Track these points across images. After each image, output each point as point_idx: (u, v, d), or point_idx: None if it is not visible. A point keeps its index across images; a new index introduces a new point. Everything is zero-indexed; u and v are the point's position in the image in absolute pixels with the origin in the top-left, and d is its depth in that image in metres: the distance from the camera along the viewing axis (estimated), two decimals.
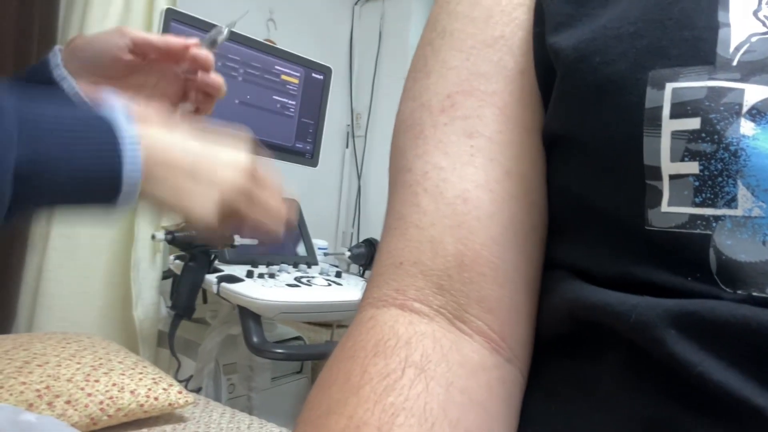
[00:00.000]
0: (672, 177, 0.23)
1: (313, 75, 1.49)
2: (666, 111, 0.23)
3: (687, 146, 0.22)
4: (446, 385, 0.23)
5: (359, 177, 2.12)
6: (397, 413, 0.22)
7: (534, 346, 0.28)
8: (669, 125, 0.23)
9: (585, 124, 0.26)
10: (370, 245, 1.46)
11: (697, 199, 0.22)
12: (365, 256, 1.45)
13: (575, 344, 0.26)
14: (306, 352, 1.35)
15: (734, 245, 0.21)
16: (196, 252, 1.17)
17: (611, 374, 0.23)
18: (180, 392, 1.01)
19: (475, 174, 0.28)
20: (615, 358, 0.23)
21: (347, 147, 2.14)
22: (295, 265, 1.39)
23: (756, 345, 0.20)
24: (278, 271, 1.30)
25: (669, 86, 0.23)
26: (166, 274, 1.36)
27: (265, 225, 0.48)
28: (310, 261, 1.47)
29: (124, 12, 1.30)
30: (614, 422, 0.23)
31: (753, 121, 0.21)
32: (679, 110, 0.22)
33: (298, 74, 1.46)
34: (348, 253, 1.47)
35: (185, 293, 1.18)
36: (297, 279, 1.27)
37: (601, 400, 0.24)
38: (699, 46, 0.23)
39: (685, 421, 0.21)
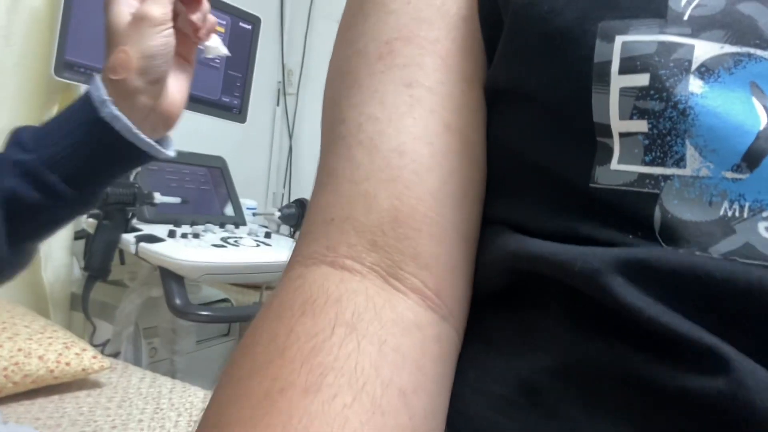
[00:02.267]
0: (622, 135, 0.22)
1: (241, 24, 1.41)
2: (615, 66, 0.22)
3: (635, 104, 0.22)
4: (379, 344, 0.22)
5: (291, 136, 2.06)
6: (326, 373, 0.21)
7: (471, 303, 0.27)
8: (618, 81, 0.22)
9: (531, 77, 0.25)
10: (302, 206, 1.43)
11: (646, 158, 0.22)
12: (296, 216, 1.41)
13: (515, 297, 0.25)
14: (232, 314, 1.32)
15: (680, 205, 0.21)
16: (111, 210, 1.09)
17: (553, 319, 0.23)
18: (95, 357, 0.95)
19: (413, 126, 0.26)
20: (557, 307, 0.23)
21: (278, 105, 2.07)
22: (222, 225, 1.33)
23: (705, 294, 0.20)
24: (203, 231, 1.24)
25: (619, 39, 0.22)
26: (79, 234, 1.27)
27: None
28: (238, 221, 1.42)
29: None
30: (556, 360, 0.22)
31: (701, 78, 0.21)
32: (629, 65, 0.22)
33: (224, 23, 1.37)
34: (278, 214, 1.43)
35: (99, 253, 1.11)
36: (223, 239, 1.22)
37: (540, 344, 0.23)
38: None
39: (633, 359, 0.20)
